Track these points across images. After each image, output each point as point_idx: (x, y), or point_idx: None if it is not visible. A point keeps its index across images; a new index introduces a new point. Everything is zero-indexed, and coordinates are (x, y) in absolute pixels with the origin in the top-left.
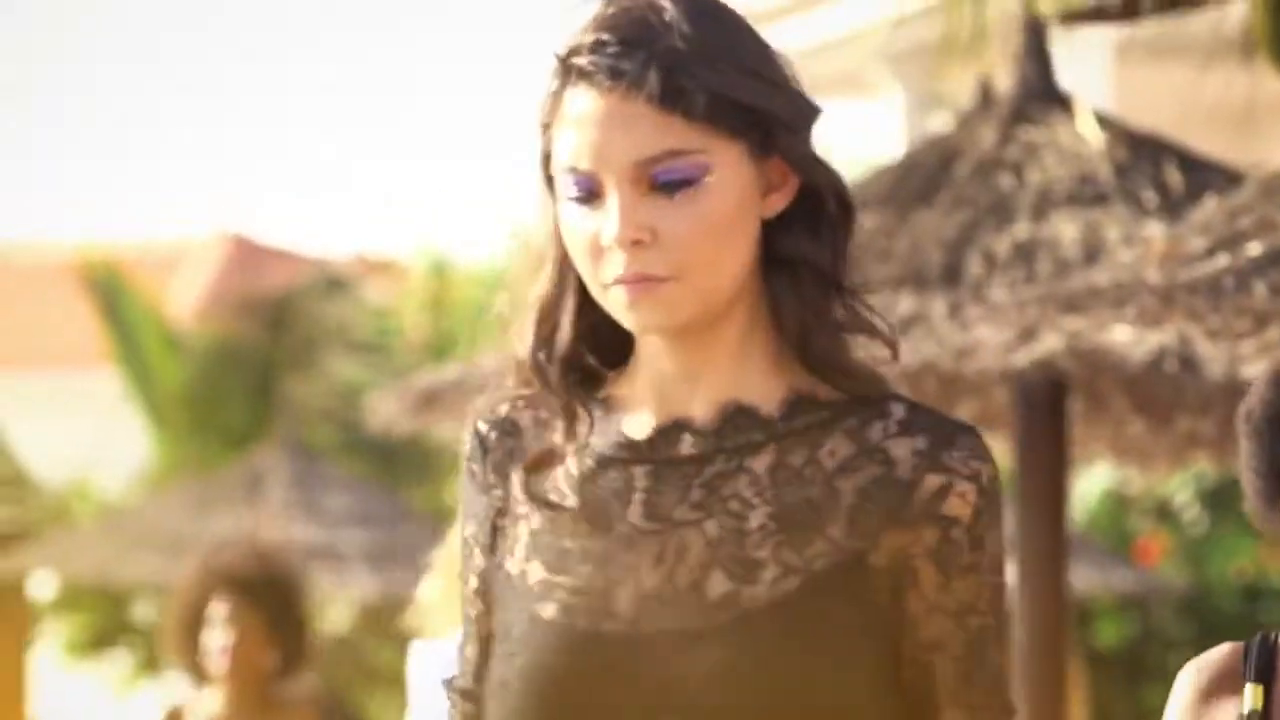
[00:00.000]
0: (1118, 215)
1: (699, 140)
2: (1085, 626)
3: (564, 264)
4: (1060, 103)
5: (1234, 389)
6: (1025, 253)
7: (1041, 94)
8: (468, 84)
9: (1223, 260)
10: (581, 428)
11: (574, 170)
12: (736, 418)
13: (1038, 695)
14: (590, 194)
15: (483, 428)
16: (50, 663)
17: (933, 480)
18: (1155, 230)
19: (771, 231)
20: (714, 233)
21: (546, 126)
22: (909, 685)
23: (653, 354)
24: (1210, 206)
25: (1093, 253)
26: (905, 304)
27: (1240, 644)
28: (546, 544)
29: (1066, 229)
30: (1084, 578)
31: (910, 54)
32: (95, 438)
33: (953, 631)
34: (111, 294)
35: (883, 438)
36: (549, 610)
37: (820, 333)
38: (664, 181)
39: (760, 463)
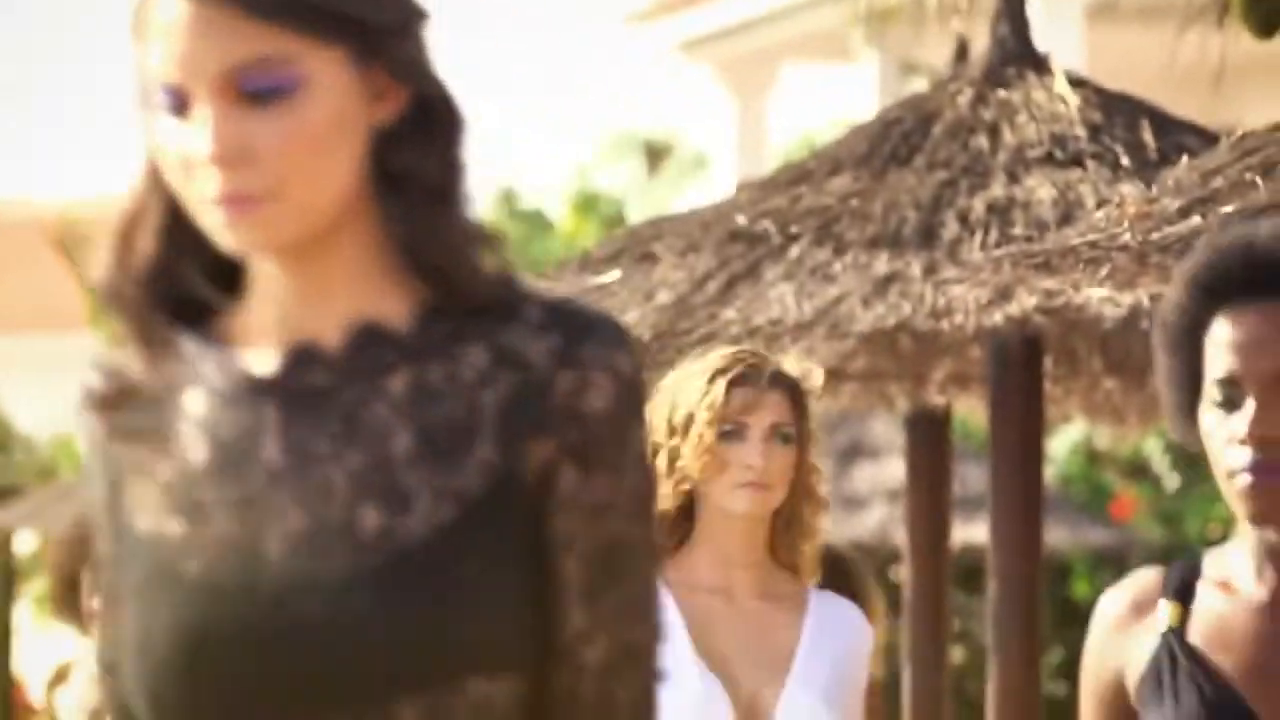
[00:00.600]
0: (1092, 176)
1: (291, 47)
2: (1061, 582)
3: (153, 180)
4: (1035, 64)
5: None
6: (1000, 213)
7: (1017, 56)
8: None
9: (1196, 221)
10: (169, 358)
11: (162, 83)
12: (365, 338)
13: (1011, 648)
14: (180, 107)
15: (91, 376)
16: (35, 618)
17: (567, 377)
18: (1129, 191)
19: (380, 144)
20: (313, 145)
21: (137, 37)
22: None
23: (267, 278)
24: (1184, 167)
25: (1067, 213)
26: (881, 264)
27: (1163, 569)
28: (181, 496)
29: (1041, 189)
30: (1059, 534)
31: (886, 16)
32: None
33: (584, 529)
34: (88, 255)
35: (517, 341)
36: (193, 567)
37: (432, 245)
38: (254, 91)
39: (397, 383)
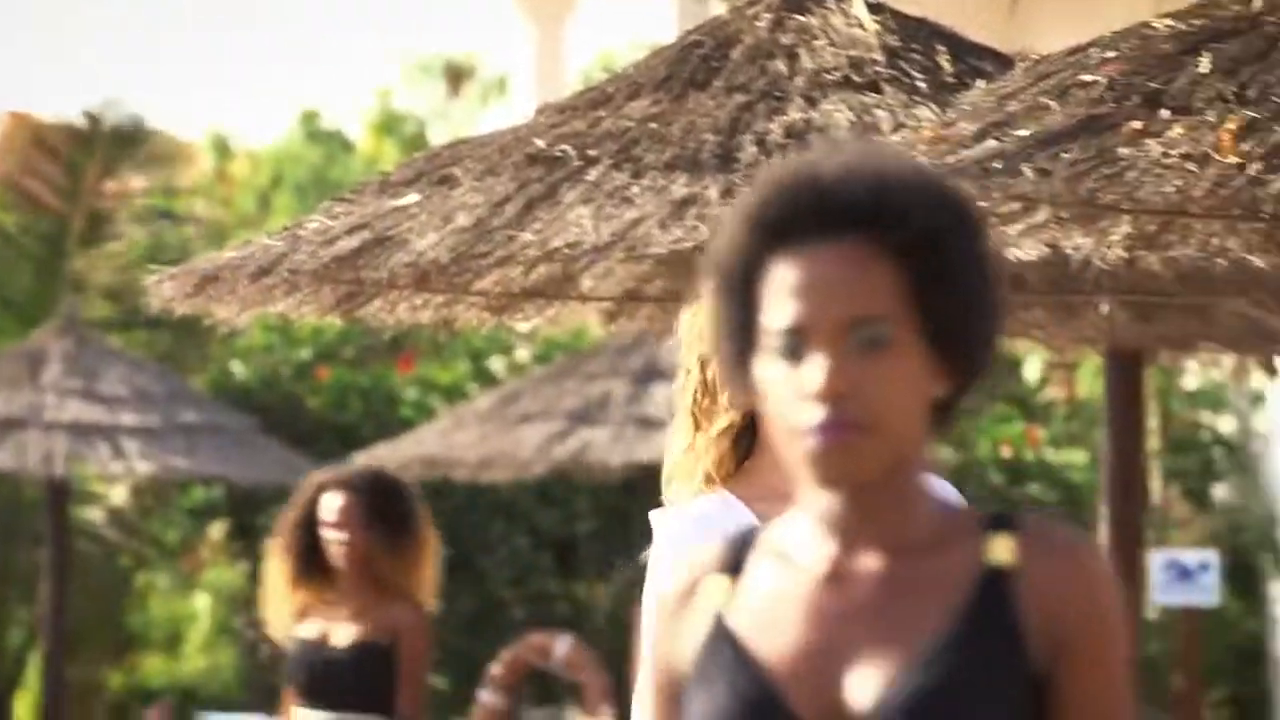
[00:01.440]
0: (889, 100)
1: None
2: None
3: None
4: None
5: (1004, 271)
6: (798, 137)
7: None
8: None
9: (992, 144)
10: None
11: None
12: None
13: None
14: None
15: None
16: None
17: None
18: (926, 115)
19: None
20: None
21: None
22: None
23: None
24: (980, 91)
25: (864, 137)
26: (679, 187)
27: (724, 541)
28: None
29: (838, 114)
30: None
31: None
32: None
33: None
34: None
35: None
36: None
37: None
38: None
39: None
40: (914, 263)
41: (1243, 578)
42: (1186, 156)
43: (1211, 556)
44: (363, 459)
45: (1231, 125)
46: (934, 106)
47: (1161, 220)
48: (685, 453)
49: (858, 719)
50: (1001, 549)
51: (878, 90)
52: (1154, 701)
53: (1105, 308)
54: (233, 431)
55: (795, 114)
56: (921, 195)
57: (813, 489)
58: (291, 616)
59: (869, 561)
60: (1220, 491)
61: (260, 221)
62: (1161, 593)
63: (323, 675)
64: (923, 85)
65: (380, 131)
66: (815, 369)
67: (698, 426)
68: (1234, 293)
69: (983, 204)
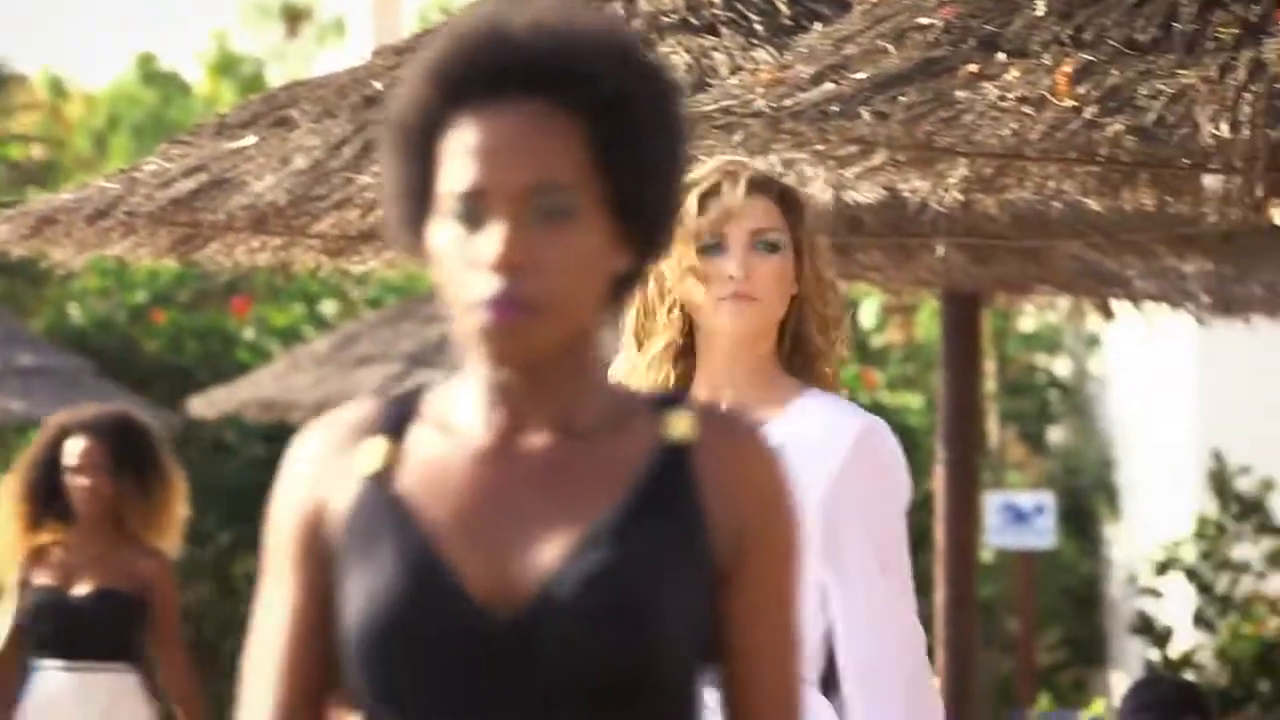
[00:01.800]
0: (726, 42)
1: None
2: None
3: None
4: None
5: (841, 213)
6: None
7: None
8: None
9: (829, 87)
10: None
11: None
12: None
13: None
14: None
15: None
16: None
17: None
18: (763, 57)
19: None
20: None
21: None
22: None
23: None
24: (817, 34)
25: (702, 79)
26: None
27: (384, 401)
28: None
29: (676, 56)
30: None
31: None
32: None
33: None
34: None
35: None
36: None
37: None
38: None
39: None
40: (601, 128)
41: (1078, 520)
42: (1023, 100)
43: (1047, 499)
44: (200, 402)
45: (1067, 68)
46: (771, 49)
47: (998, 163)
48: (629, 374)
49: (530, 595)
50: (680, 425)
51: (715, 33)
52: (990, 643)
53: (941, 250)
54: (69, 374)
55: None
56: (613, 58)
57: (480, 363)
58: (24, 561)
59: (540, 438)
60: (1056, 434)
61: (97, 164)
62: (997, 535)
63: (63, 624)
64: (760, 28)
65: (217, 73)
66: (491, 237)
67: (639, 347)
68: (1070, 236)
69: (820, 147)
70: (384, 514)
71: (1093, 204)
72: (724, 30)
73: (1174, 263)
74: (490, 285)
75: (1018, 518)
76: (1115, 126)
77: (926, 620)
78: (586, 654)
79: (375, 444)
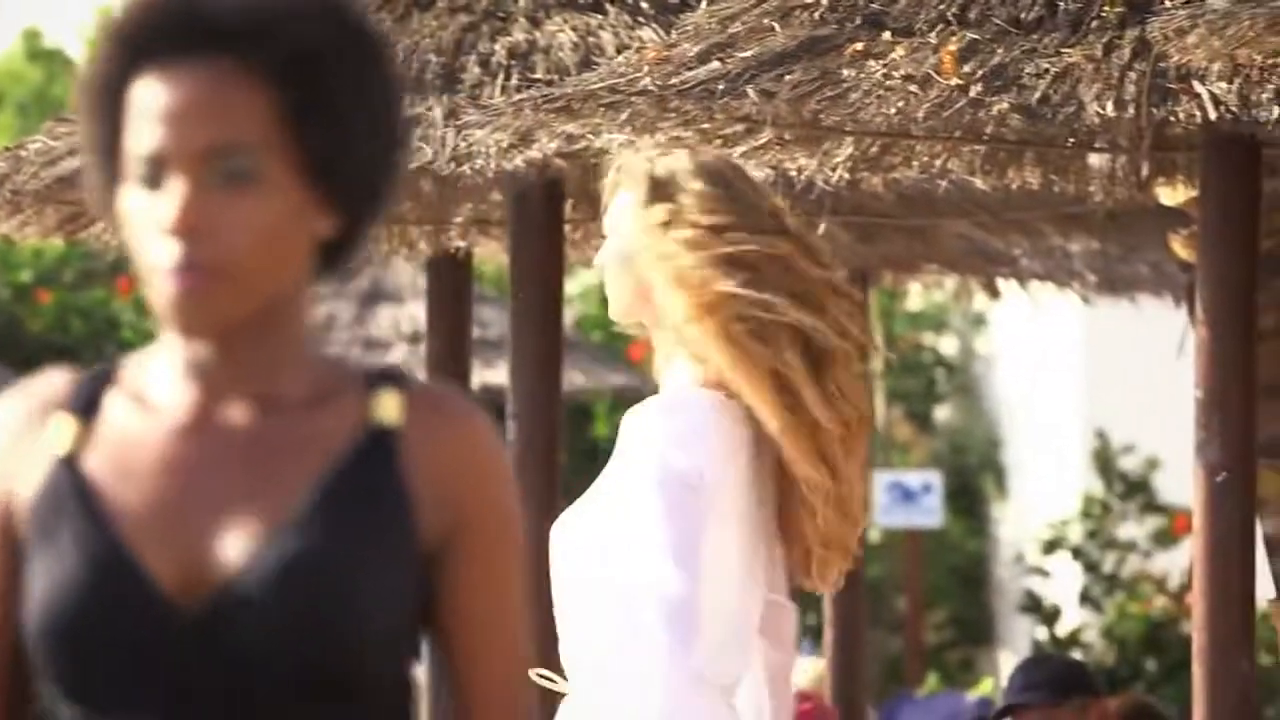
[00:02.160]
0: (612, 21)
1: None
2: (580, 423)
3: None
4: None
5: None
6: (521, 57)
7: None
8: None
9: (715, 66)
10: None
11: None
12: None
13: (531, 490)
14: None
15: None
16: None
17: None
18: (649, 36)
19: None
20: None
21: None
22: None
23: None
24: (703, 13)
25: (588, 58)
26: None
27: (80, 374)
28: None
29: (562, 34)
30: (577, 377)
31: None
32: None
33: None
34: None
35: None
36: None
37: None
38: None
39: None
40: (290, 88)
41: (965, 499)
42: (908, 78)
43: (934, 478)
44: None
45: (953, 47)
46: (657, 28)
47: (884, 142)
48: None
49: (221, 582)
50: (388, 406)
51: (601, 11)
52: (878, 623)
53: (822, 228)
54: None
55: (519, 34)
56: (305, 14)
57: (171, 333)
58: None
59: (237, 413)
60: (943, 413)
61: None
62: (885, 514)
63: None
64: (646, 6)
65: None
66: (169, 201)
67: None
68: (956, 215)
69: (706, 126)
70: (69, 498)
71: (979, 183)
72: (610, 9)
73: (1060, 242)
74: (170, 250)
75: (905, 497)
76: (1001, 105)
77: (815, 600)
78: (272, 649)
79: (63, 422)
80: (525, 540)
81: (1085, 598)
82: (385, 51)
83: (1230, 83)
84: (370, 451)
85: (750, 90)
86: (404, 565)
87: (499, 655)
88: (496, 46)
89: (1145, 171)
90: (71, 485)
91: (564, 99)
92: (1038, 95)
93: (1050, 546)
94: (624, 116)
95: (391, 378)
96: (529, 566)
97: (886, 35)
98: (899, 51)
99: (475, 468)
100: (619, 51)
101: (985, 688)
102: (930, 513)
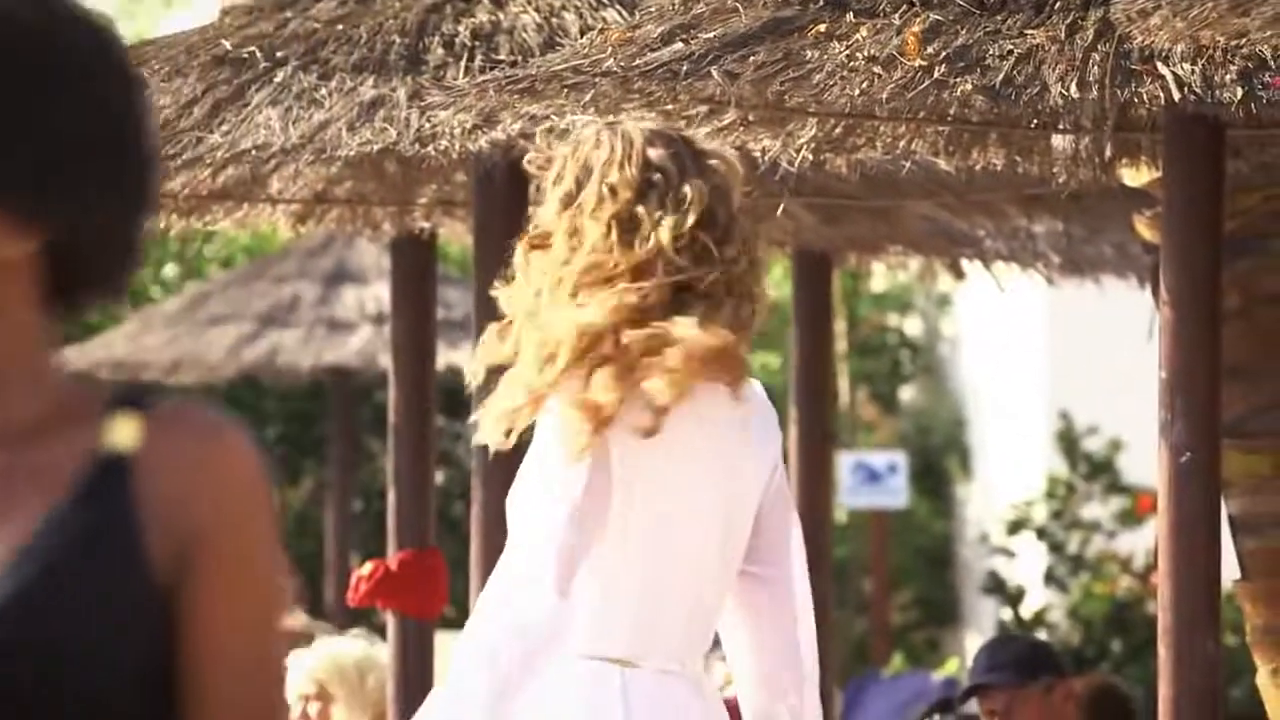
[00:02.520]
0: (576, 2)
1: None
2: None
3: None
4: None
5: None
6: (486, 39)
7: None
8: None
9: (678, 46)
10: None
11: None
12: None
13: (493, 469)
14: None
15: None
16: None
17: None
18: (613, 17)
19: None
20: None
21: None
22: None
23: None
24: None
25: (551, 39)
26: (367, 89)
27: None
28: None
29: (526, 15)
30: None
31: None
32: None
33: None
34: None
35: None
36: None
37: None
38: None
39: None
40: None
41: (930, 480)
42: (872, 59)
43: (899, 459)
44: None
45: (916, 28)
46: (621, 9)
47: (848, 123)
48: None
49: None
50: (124, 431)
51: None
52: (845, 604)
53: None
54: None
55: (483, 16)
56: None
57: None
58: None
59: None
60: (908, 394)
61: None
62: (850, 495)
63: None
64: None
65: None
66: None
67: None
68: (920, 195)
69: (670, 107)
70: None
71: (943, 164)
72: None
73: (1024, 223)
74: None
75: (870, 478)
76: (964, 86)
77: None
78: None
79: None
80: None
81: (1050, 578)
82: (75, 39)
83: (1194, 64)
84: (100, 481)
85: (714, 71)
86: (131, 607)
87: (240, 702)
88: (460, 28)
89: (1109, 153)
90: None
91: (528, 80)
92: (1001, 76)
93: (1015, 527)
94: (588, 97)
95: (134, 400)
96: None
97: (850, 17)
98: (863, 33)
99: (215, 489)
100: (583, 33)
101: (951, 668)
102: (896, 493)
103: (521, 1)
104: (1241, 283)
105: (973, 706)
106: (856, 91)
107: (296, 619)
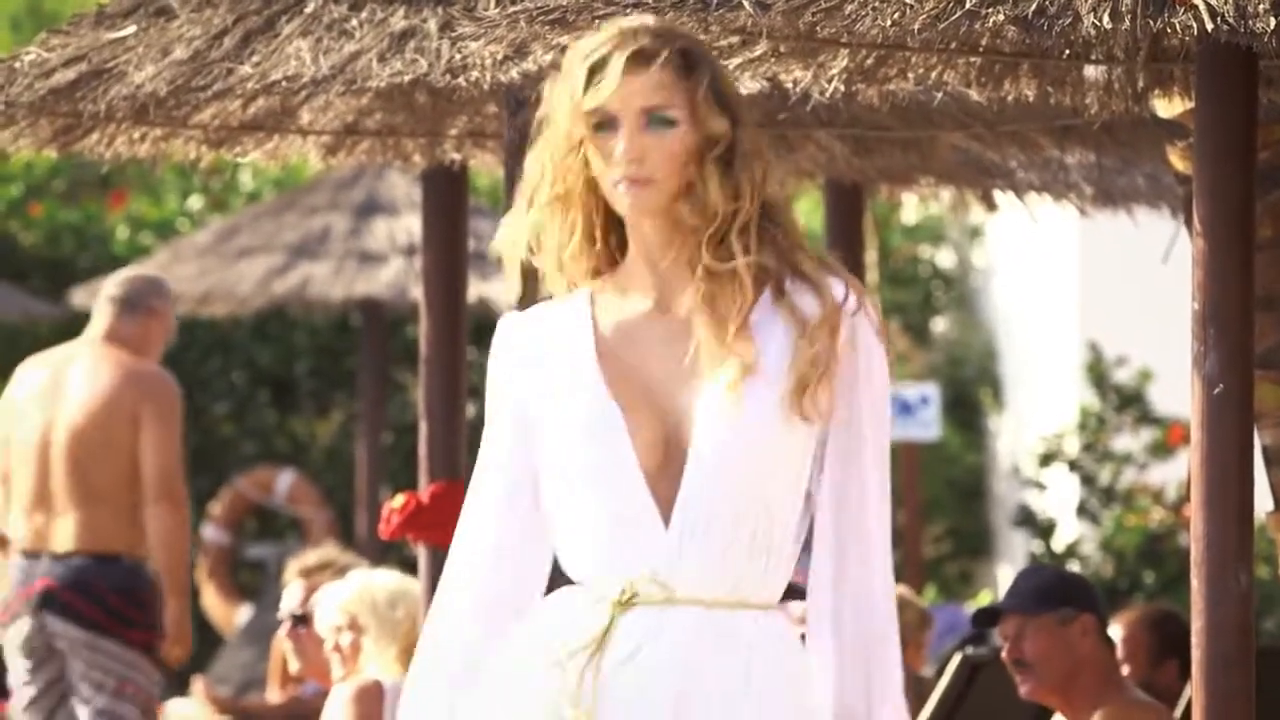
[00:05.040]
0: None
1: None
2: None
3: None
4: None
5: None
6: None
7: None
8: None
9: None
10: None
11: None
12: None
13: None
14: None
15: None
16: None
17: None
18: None
19: None
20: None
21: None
22: None
23: None
24: None
25: None
26: (398, 19)
27: None
28: None
29: None
30: None
31: None
32: None
33: None
34: None
35: None
36: None
37: None
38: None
39: None
40: None
41: (962, 412)
42: None
43: (931, 390)
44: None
45: None
46: None
47: (879, 54)
48: (551, 272)
49: None
50: None
51: None
52: None
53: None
54: None
55: None
56: None
57: None
58: None
59: None
60: (939, 325)
61: None
62: None
63: None
64: None
65: None
66: None
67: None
68: (952, 126)
69: (702, 38)
70: None
71: (974, 95)
72: None
73: (1056, 154)
74: None
75: (902, 409)
76: (996, 17)
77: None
78: None
79: None
80: None
81: (1082, 510)
82: None
83: None
84: None
85: (745, 2)
86: None
87: None
88: None
89: (1141, 83)
90: None
91: (559, 10)
92: (1034, 7)
93: (1046, 459)
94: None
95: None
96: None
97: None
98: None
99: None
100: None
101: (984, 600)
102: (928, 425)
103: None
104: (1274, 213)
105: None
106: (888, 22)
107: (329, 551)
